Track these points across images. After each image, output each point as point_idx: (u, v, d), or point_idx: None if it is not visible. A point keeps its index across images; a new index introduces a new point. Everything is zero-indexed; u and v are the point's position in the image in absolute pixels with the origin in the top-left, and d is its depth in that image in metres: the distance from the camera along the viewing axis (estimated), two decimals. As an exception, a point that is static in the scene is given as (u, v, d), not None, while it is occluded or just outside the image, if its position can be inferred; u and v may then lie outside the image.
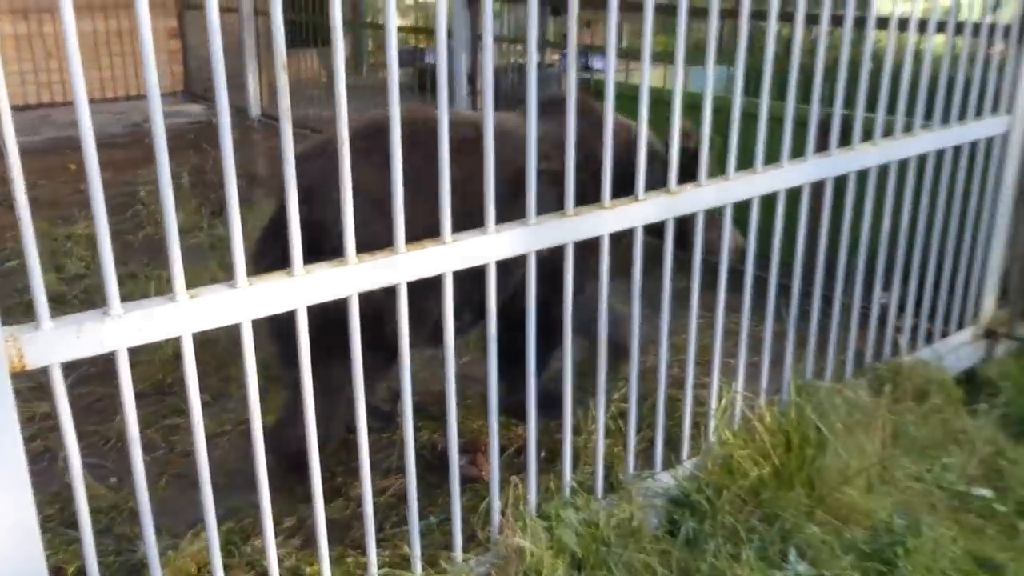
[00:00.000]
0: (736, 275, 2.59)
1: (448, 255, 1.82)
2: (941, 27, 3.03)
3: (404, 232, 1.76)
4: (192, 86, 9.31)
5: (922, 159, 3.09)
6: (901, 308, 3.30)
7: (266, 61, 8.13)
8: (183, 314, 1.56)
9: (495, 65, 6.16)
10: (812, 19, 2.67)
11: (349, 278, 1.71)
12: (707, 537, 2.46)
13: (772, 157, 2.55)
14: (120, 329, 1.49)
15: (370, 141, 2.06)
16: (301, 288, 1.67)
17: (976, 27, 3.14)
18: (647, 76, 2.13)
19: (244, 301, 1.62)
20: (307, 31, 7.75)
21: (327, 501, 2.61)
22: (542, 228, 1.96)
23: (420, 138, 1.96)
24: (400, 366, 1.92)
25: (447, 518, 2.28)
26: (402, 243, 1.75)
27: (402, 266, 1.76)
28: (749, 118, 2.44)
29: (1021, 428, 3.19)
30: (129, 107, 8.48)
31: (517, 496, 2.27)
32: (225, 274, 1.74)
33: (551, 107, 2.29)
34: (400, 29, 8.40)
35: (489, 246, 1.88)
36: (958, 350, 3.49)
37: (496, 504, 2.22)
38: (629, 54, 6.02)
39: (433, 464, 2.83)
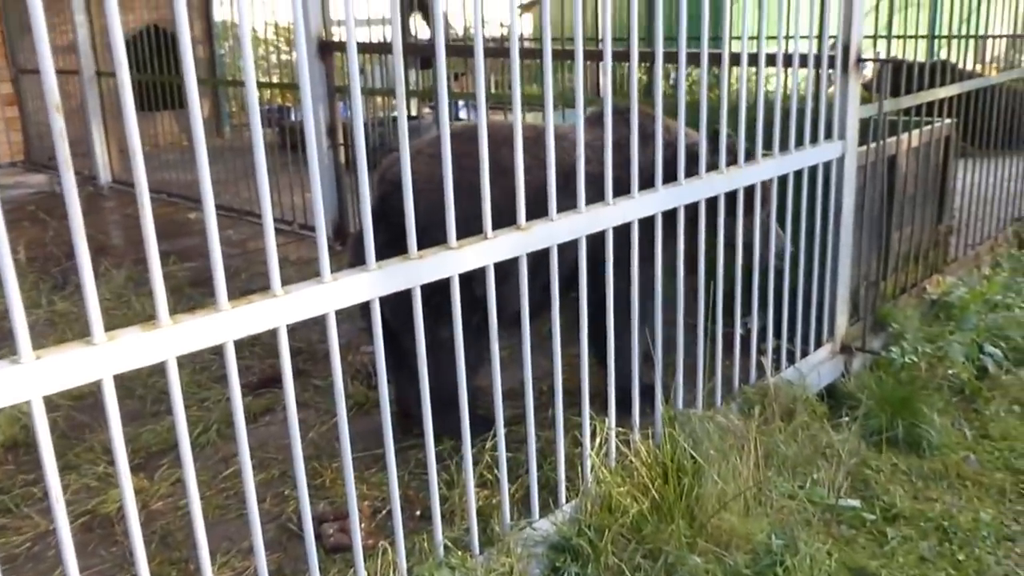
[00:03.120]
0: (598, 308, 2.57)
1: (281, 308, 1.70)
2: (772, 60, 3.17)
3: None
4: (33, 155, 8.77)
5: (767, 184, 3.19)
6: (763, 331, 3.37)
7: (112, 126, 7.75)
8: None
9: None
10: (670, 58, 2.73)
11: (163, 341, 1.57)
12: (591, 581, 2.38)
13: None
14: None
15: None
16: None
17: (804, 59, 3.29)
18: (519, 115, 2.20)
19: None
20: (161, 92, 7.40)
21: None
22: (385, 273, 1.86)
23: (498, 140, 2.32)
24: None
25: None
26: (224, 300, 1.61)
27: (227, 323, 1.62)
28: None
29: (881, 437, 3.29)
30: (-47, 180, 7.91)
31: (386, 563, 2.12)
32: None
33: (593, 119, 2.84)
34: (261, 85, 8.18)
35: (326, 296, 1.77)
36: (818, 367, 3.59)
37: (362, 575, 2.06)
38: (500, 101, 6.13)
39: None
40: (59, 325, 4.22)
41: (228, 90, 9.47)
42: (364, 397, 3.45)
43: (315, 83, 5.24)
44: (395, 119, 1.91)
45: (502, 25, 13.51)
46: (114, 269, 4.94)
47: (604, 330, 2.63)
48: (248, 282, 4.73)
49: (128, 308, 4.36)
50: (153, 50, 7.29)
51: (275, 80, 7.70)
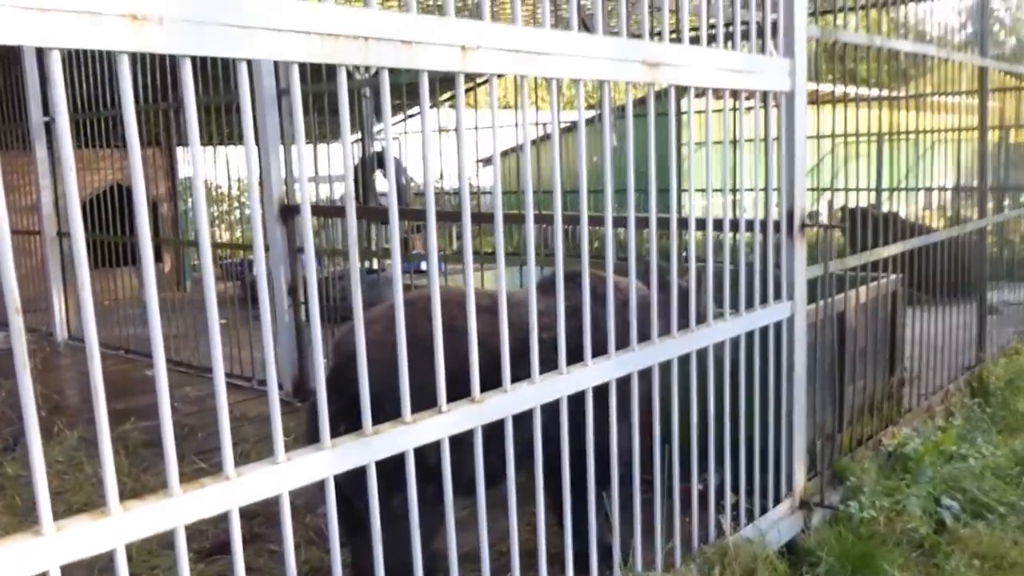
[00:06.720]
0: (553, 470, 2.58)
1: (233, 491, 1.70)
2: (720, 226, 3.34)
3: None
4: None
5: (719, 347, 3.28)
6: (720, 488, 3.38)
7: (72, 283, 7.80)
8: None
9: (319, 276, 6.18)
10: (619, 222, 2.89)
11: (112, 530, 1.56)
12: None
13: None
14: None
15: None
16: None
17: (750, 223, 3.47)
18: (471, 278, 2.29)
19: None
20: (122, 248, 7.52)
21: None
22: (339, 452, 1.88)
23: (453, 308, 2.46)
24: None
25: None
26: (176, 485, 1.62)
27: (178, 509, 1.62)
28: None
29: (843, 596, 3.26)
30: None
31: None
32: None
33: (546, 284, 2.90)
34: (225, 245, 8.36)
35: (280, 477, 1.78)
36: (778, 524, 3.59)
37: None
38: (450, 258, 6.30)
39: None
40: (8, 491, 4.10)
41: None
42: (320, 561, 3.36)
43: (276, 243, 5.37)
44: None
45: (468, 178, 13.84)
46: (67, 429, 4.85)
47: (561, 492, 2.64)
48: (205, 441, 4.65)
49: (80, 471, 4.25)
50: (116, 209, 7.47)
51: (238, 235, 7.87)
